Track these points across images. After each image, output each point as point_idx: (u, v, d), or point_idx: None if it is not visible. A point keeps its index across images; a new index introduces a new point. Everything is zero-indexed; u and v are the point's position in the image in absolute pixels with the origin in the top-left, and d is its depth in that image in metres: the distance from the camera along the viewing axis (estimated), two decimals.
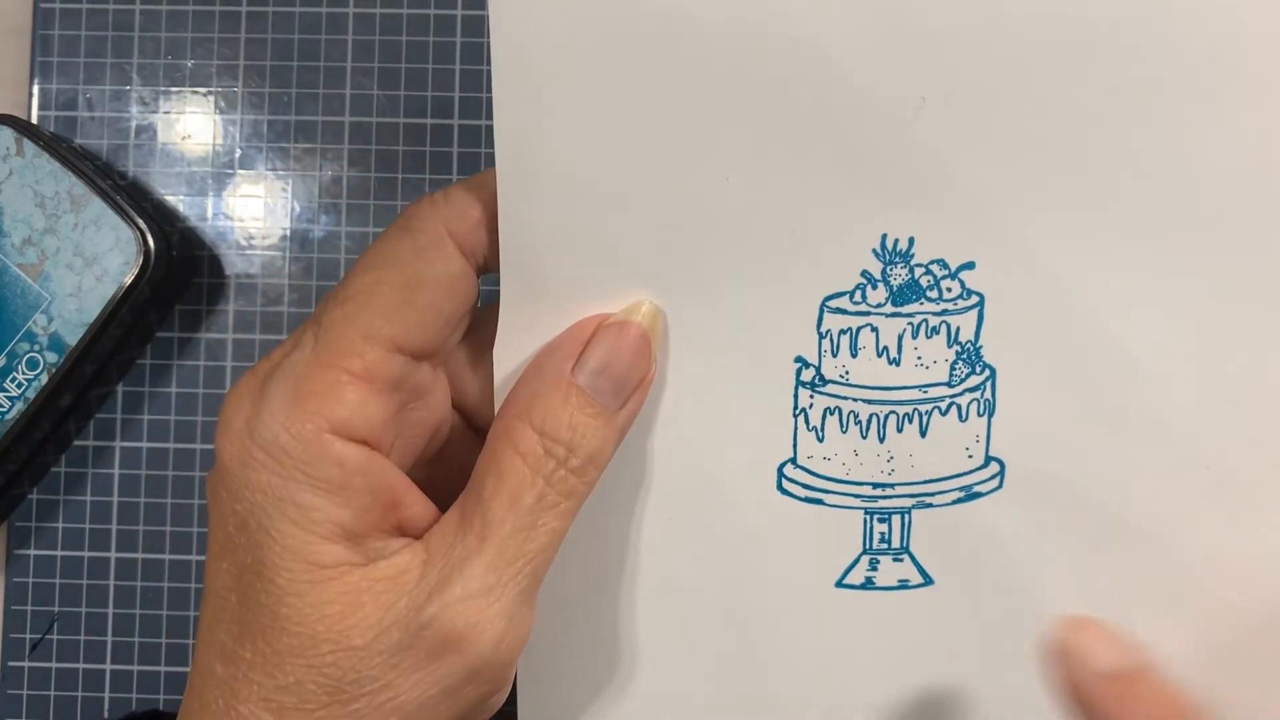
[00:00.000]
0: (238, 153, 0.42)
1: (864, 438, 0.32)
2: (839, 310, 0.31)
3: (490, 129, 0.42)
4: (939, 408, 0.31)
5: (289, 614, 0.27)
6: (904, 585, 0.33)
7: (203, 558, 0.42)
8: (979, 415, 0.31)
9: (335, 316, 0.28)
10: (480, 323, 0.32)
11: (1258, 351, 0.30)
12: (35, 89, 0.42)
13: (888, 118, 0.28)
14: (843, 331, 0.31)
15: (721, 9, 0.27)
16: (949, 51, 0.28)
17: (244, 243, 0.42)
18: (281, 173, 0.42)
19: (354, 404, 0.28)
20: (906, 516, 0.32)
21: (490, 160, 0.42)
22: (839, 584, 0.33)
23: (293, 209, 0.42)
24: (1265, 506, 0.32)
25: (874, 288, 0.30)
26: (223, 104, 0.42)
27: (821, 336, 0.31)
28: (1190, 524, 0.32)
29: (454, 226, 0.30)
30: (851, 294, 0.30)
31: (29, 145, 0.39)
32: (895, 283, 0.30)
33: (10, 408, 0.39)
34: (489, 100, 0.42)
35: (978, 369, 0.31)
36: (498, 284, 0.31)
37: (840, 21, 0.27)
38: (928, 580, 0.33)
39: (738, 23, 0.27)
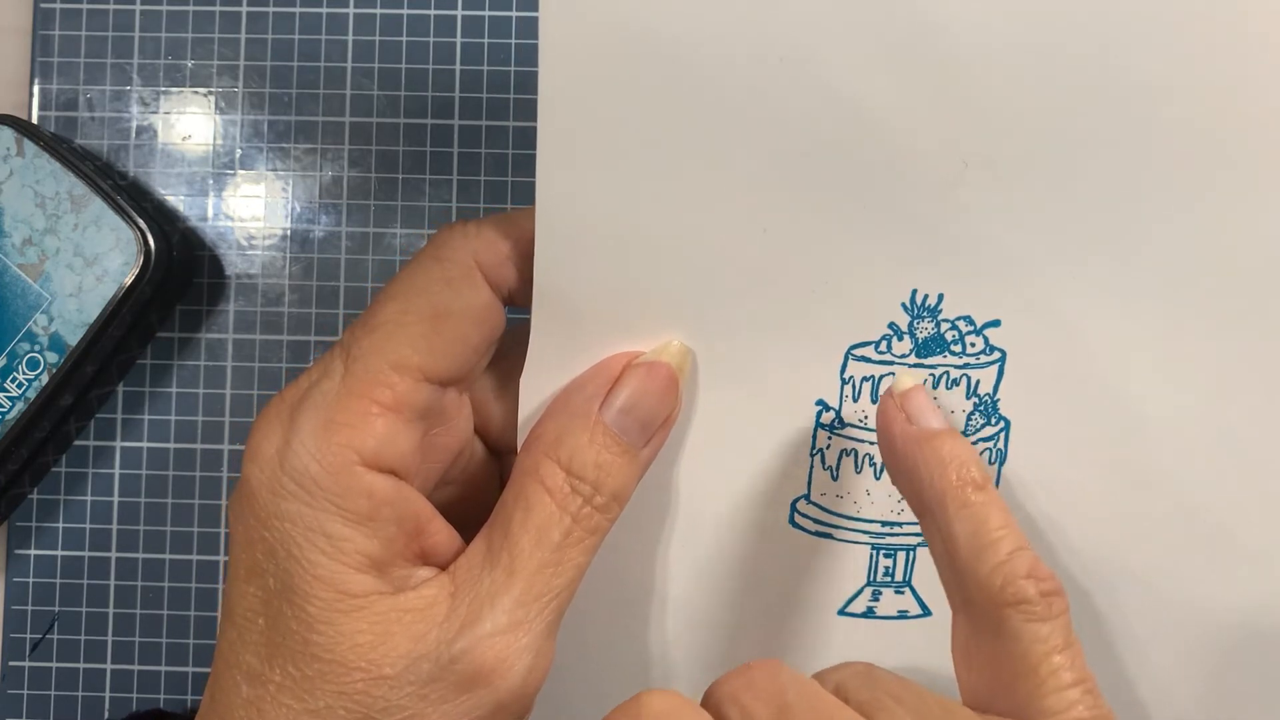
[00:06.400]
0: (238, 153, 0.42)
1: (877, 479, 0.32)
2: (863, 359, 0.31)
3: (490, 129, 0.42)
4: None
5: (320, 641, 0.28)
6: (903, 615, 0.34)
7: (204, 557, 0.42)
8: (990, 463, 0.32)
9: (365, 346, 0.29)
10: (506, 349, 0.32)
11: (1264, 412, 0.31)
12: (35, 89, 0.42)
13: (929, 179, 0.29)
14: (865, 379, 0.31)
15: (768, 67, 0.27)
16: (995, 120, 0.28)
17: (244, 243, 0.42)
18: (282, 173, 0.42)
19: (383, 435, 0.28)
20: (911, 553, 0.33)
21: (490, 161, 0.42)
22: (841, 612, 0.34)
23: (293, 209, 0.42)
24: (1249, 554, 0.32)
25: (900, 339, 0.31)
26: (223, 104, 0.42)
27: (844, 382, 0.31)
28: (1178, 568, 0.33)
29: (483, 258, 0.30)
30: (877, 344, 0.31)
31: (29, 145, 0.39)
32: (921, 336, 0.31)
33: (11, 408, 0.39)
34: (489, 100, 0.42)
35: (993, 420, 0.32)
36: (521, 309, 0.31)
37: (888, 85, 0.28)
38: (926, 612, 0.34)
39: (784, 81, 0.28)
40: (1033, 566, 0.27)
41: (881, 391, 0.31)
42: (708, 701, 0.26)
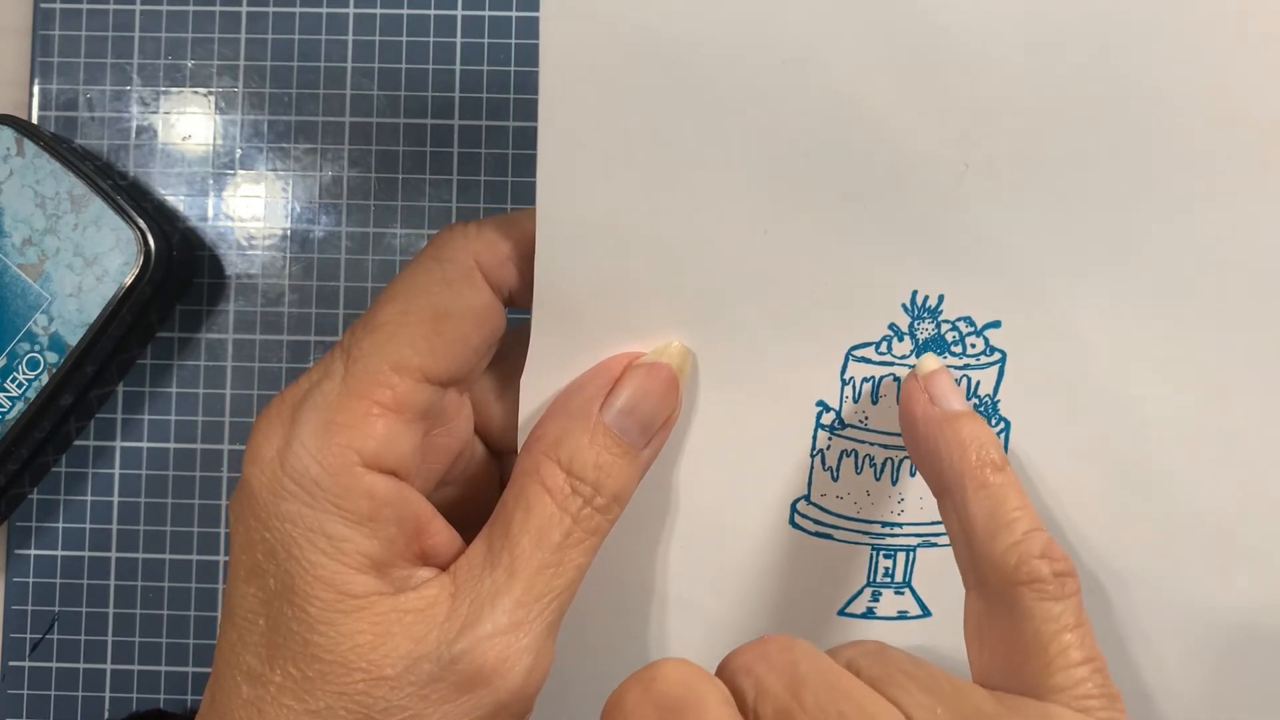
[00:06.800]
0: (238, 153, 0.42)
1: (877, 479, 0.32)
2: (864, 359, 0.31)
3: (490, 129, 0.42)
4: None
5: (321, 641, 0.28)
6: (903, 616, 0.34)
7: (204, 557, 0.42)
8: None
9: (365, 346, 0.29)
10: (506, 349, 0.32)
11: (1262, 415, 0.31)
12: (35, 89, 0.42)
13: (929, 181, 0.29)
14: (865, 379, 0.31)
15: (769, 68, 0.28)
16: (995, 122, 0.28)
17: (244, 243, 0.42)
18: (281, 173, 0.42)
19: (383, 436, 0.28)
20: (911, 554, 0.33)
21: (490, 161, 0.42)
22: (841, 612, 0.34)
23: (293, 209, 0.42)
24: (1249, 554, 0.33)
25: (900, 340, 0.31)
26: (223, 104, 0.42)
27: (844, 383, 0.32)
28: (1178, 568, 0.33)
29: (483, 259, 0.30)
30: (877, 345, 0.31)
31: (29, 145, 0.39)
32: (921, 337, 0.31)
33: (11, 408, 0.39)
34: (489, 100, 0.42)
35: (993, 421, 0.32)
36: (522, 311, 0.31)
37: (889, 86, 0.28)
38: (926, 613, 0.34)
39: (785, 82, 0.28)
40: (1047, 546, 0.27)
41: (881, 392, 0.32)
42: (722, 672, 0.26)
